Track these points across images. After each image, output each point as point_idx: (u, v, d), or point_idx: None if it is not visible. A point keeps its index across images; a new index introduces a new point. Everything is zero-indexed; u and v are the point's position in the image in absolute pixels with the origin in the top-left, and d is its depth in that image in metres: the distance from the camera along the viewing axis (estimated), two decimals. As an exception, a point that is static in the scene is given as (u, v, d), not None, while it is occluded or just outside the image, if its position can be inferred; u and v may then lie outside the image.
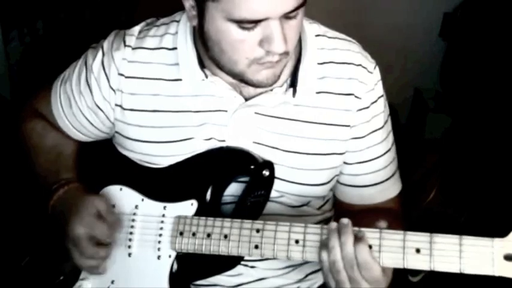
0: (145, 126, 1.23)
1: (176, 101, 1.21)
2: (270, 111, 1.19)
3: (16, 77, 2.40)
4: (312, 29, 1.23)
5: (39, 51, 2.48)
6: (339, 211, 1.33)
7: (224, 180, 1.19)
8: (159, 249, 1.18)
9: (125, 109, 1.24)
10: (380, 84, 1.24)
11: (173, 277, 1.17)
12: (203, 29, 1.09)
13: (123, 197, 1.24)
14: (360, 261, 1.00)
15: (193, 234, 1.14)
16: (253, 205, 1.17)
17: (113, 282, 1.21)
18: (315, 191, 1.23)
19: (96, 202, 1.19)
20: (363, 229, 1.03)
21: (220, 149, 1.19)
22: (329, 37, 1.24)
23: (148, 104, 1.22)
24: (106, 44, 1.26)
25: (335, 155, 1.22)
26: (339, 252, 1.00)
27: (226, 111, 1.19)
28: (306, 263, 1.27)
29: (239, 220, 1.12)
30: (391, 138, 1.28)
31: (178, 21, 1.24)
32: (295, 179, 1.21)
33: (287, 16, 1.05)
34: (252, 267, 1.24)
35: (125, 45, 1.24)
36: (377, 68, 1.24)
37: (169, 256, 1.17)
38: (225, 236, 1.12)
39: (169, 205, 1.19)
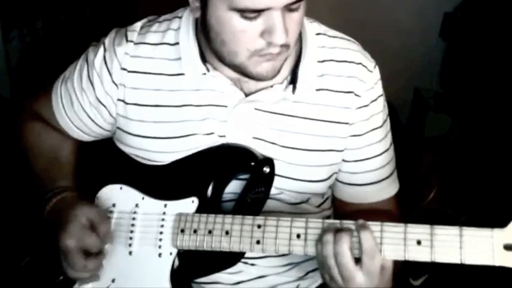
0: (147, 121, 1.23)
1: (178, 95, 1.21)
2: (270, 108, 1.19)
3: (16, 77, 2.41)
4: (313, 27, 1.24)
5: (39, 51, 2.48)
6: (337, 210, 1.33)
7: (225, 177, 1.19)
8: (160, 247, 1.18)
9: (127, 103, 1.24)
10: (379, 83, 1.24)
11: (174, 275, 1.17)
12: (205, 20, 1.10)
13: (124, 195, 1.24)
14: (366, 248, 1.00)
15: (195, 231, 1.14)
16: (254, 202, 1.17)
17: (113, 281, 1.21)
18: (313, 187, 1.24)
19: (86, 212, 1.18)
20: (363, 221, 1.04)
21: (221, 146, 1.20)
22: (329, 36, 1.25)
23: (150, 99, 1.23)
24: (107, 40, 1.27)
25: (334, 151, 1.22)
26: (331, 248, 1.01)
27: (226, 106, 1.20)
28: (306, 260, 1.28)
29: (240, 216, 1.12)
30: (389, 138, 1.28)
31: (180, 17, 1.24)
32: (293, 175, 1.21)
33: (289, 8, 1.05)
34: (252, 264, 1.25)
35: (127, 40, 1.24)
36: (377, 67, 1.24)
37: (171, 254, 1.17)
38: (227, 232, 1.12)
39: (169, 203, 1.20)
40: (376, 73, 1.24)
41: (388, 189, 1.28)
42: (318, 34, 1.23)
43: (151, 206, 1.21)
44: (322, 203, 1.31)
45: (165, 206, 1.20)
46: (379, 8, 2.78)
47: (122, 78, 1.24)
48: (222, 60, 1.14)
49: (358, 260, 1.02)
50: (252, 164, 1.17)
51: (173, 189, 1.20)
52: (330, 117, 1.20)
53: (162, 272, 1.17)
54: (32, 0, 2.44)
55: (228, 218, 1.13)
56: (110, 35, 1.28)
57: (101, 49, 1.26)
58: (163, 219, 1.19)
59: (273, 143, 1.20)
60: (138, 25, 1.27)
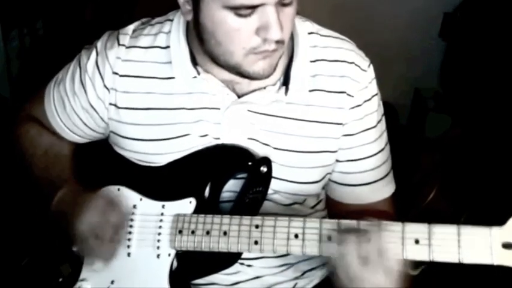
0: (140, 124, 1.23)
1: (170, 98, 1.21)
2: (263, 109, 1.19)
3: (16, 77, 2.41)
4: (305, 27, 1.23)
5: (39, 51, 2.48)
6: (331, 211, 1.33)
7: (222, 177, 1.19)
8: (158, 248, 1.18)
9: (119, 108, 1.24)
10: (374, 82, 1.23)
11: (173, 275, 1.17)
12: (198, 22, 1.09)
13: (121, 197, 1.23)
14: (387, 248, 1.00)
15: (193, 232, 1.14)
16: (252, 202, 1.17)
17: (112, 282, 1.21)
18: (307, 189, 1.23)
19: (102, 194, 1.20)
20: (362, 222, 1.05)
21: (217, 146, 1.19)
22: (322, 35, 1.24)
23: (142, 102, 1.22)
24: (100, 44, 1.27)
25: (327, 152, 1.21)
26: (352, 248, 1.00)
27: (219, 108, 1.19)
28: (303, 260, 1.28)
29: (238, 216, 1.12)
30: (384, 138, 1.27)
31: (172, 20, 1.24)
32: (287, 176, 1.21)
33: (282, 3, 1.05)
34: (249, 265, 1.24)
35: (119, 44, 1.24)
36: (371, 66, 1.23)
37: (169, 255, 1.17)
38: (224, 233, 1.12)
39: (167, 204, 1.19)
40: (370, 72, 1.23)
41: (383, 190, 1.27)
42: (310, 33, 1.23)
43: (149, 207, 1.21)
44: (316, 204, 1.31)
45: (163, 207, 1.19)
46: (379, 8, 2.78)
47: (113, 82, 1.24)
48: (216, 61, 1.14)
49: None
50: (249, 163, 1.17)
51: (171, 190, 1.20)
52: (323, 118, 1.20)
53: (160, 273, 1.17)
54: (32, 0, 2.44)
55: (226, 219, 1.13)
56: (102, 38, 1.28)
57: (93, 53, 1.26)
58: (161, 220, 1.19)
59: (266, 145, 1.19)
60: (130, 28, 1.27)
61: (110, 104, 1.25)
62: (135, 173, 1.24)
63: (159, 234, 1.18)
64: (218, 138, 1.20)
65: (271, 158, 1.18)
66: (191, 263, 1.19)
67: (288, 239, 1.08)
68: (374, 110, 1.23)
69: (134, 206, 1.22)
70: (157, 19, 1.28)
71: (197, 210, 1.17)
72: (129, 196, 1.23)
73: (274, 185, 1.19)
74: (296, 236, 1.08)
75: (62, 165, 1.32)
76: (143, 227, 1.20)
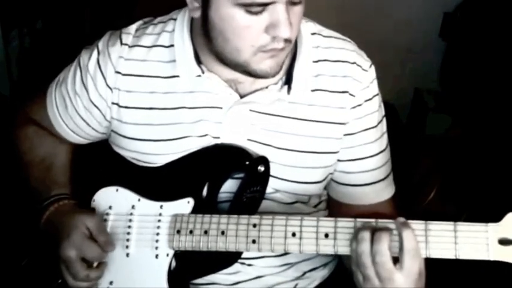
0: (141, 124, 1.23)
1: (172, 97, 1.21)
2: (265, 109, 1.19)
3: (16, 77, 2.41)
4: (308, 27, 1.23)
5: (39, 51, 2.49)
6: (333, 211, 1.32)
7: (220, 177, 1.19)
8: (156, 248, 1.18)
9: (121, 107, 1.24)
10: (375, 83, 1.24)
11: (172, 276, 1.17)
12: (207, 19, 1.09)
13: (120, 197, 1.24)
14: (408, 247, 0.99)
15: (191, 231, 1.14)
16: (250, 201, 1.17)
17: (111, 283, 1.21)
18: (308, 188, 1.23)
19: (86, 221, 1.19)
20: (358, 220, 1.05)
21: (215, 146, 1.19)
22: (324, 36, 1.24)
23: (144, 102, 1.22)
24: (101, 43, 1.27)
25: (329, 153, 1.22)
26: (368, 246, 1.00)
27: (221, 108, 1.19)
28: (303, 260, 1.28)
29: (236, 216, 1.12)
30: (385, 139, 1.27)
31: (175, 19, 1.24)
32: (288, 176, 1.21)
33: (292, 2, 1.06)
34: (250, 265, 1.24)
35: (122, 44, 1.24)
36: (372, 67, 1.24)
37: (167, 255, 1.17)
38: (222, 232, 1.12)
39: (165, 204, 1.19)
40: (372, 72, 1.23)
41: (384, 192, 1.27)
42: (313, 34, 1.23)
43: (147, 207, 1.21)
44: (318, 204, 1.31)
45: (161, 207, 1.19)
46: (379, 8, 2.78)
47: (116, 81, 1.24)
48: (222, 59, 1.14)
49: (395, 261, 1.00)
50: (247, 163, 1.17)
51: (169, 190, 1.20)
52: (325, 118, 1.20)
53: (159, 273, 1.17)
54: (32, 0, 2.44)
55: (224, 218, 1.13)
56: (104, 37, 1.28)
57: (95, 52, 1.26)
58: (159, 221, 1.19)
59: (268, 145, 1.19)
60: (133, 27, 1.27)
61: (113, 103, 1.25)
62: (133, 173, 1.24)
63: (157, 234, 1.18)
64: (218, 138, 1.20)
65: (273, 158, 1.18)
66: (190, 263, 1.18)
67: (285, 237, 1.08)
68: (375, 110, 1.23)
69: (132, 207, 1.22)
70: (159, 18, 1.28)
71: (195, 210, 1.17)
72: (127, 197, 1.23)
73: (275, 184, 1.20)
74: (293, 234, 1.08)
75: (56, 176, 1.32)
76: (141, 228, 1.20)
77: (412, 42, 2.79)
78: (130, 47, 1.24)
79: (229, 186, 1.19)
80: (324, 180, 1.25)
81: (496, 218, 1.02)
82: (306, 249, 1.07)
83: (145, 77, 1.22)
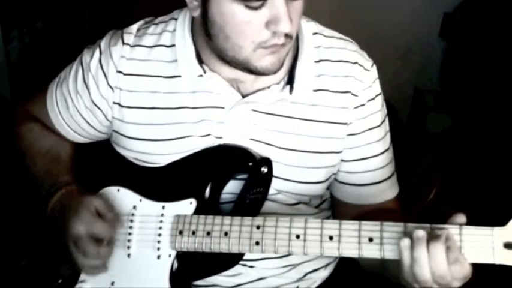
0: (143, 124, 1.23)
1: (174, 97, 1.21)
2: (267, 108, 1.19)
3: (16, 77, 2.41)
4: (309, 27, 1.23)
5: (39, 51, 2.49)
6: (338, 212, 1.32)
7: (223, 178, 1.19)
8: (158, 248, 1.18)
9: (123, 106, 1.24)
10: (377, 82, 1.24)
11: (174, 277, 1.17)
12: (207, 16, 1.09)
13: (121, 198, 1.23)
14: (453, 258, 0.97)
15: (193, 232, 1.14)
16: (252, 202, 1.17)
17: (112, 283, 1.20)
18: (311, 189, 1.23)
19: (94, 201, 1.19)
20: (363, 222, 1.04)
21: (218, 146, 1.19)
22: (325, 36, 1.24)
23: (146, 101, 1.22)
24: (103, 43, 1.27)
25: (332, 153, 1.22)
26: (425, 249, 0.97)
27: (223, 108, 1.19)
28: (305, 262, 1.28)
29: (239, 217, 1.11)
30: (388, 139, 1.27)
31: (176, 19, 1.24)
32: (291, 176, 1.21)
33: None
34: (251, 266, 1.24)
35: (123, 43, 1.24)
36: (374, 66, 1.24)
37: (169, 255, 1.17)
38: (226, 234, 1.11)
39: (167, 204, 1.19)
40: (374, 72, 1.23)
41: (389, 191, 1.27)
42: (314, 34, 1.23)
43: (149, 208, 1.20)
44: (320, 204, 1.31)
45: (163, 207, 1.19)
46: (379, 8, 2.78)
47: (117, 81, 1.23)
48: (223, 57, 1.13)
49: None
50: (250, 164, 1.17)
51: (171, 190, 1.20)
52: (327, 118, 1.20)
53: (161, 274, 1.17)
54: (32, 0, 2.44)
55: (227, 219, 1.12)
56: (105, 37, 1.28)
57: (97, 52, 1.26)
58: (161, 221, 1.18)
59: (270, 145, 1.19)
60: (134, 27, 1.27)
61: (114, 102, 1.25)
62: (135, 173, 1.24)
63: (160, 235, 1.18)
64: (220, 138, 1.20)
65: (275, 158, 1.18)
66: (192, 264, 1.18)
67: (289, 239, 1.08)
68: (378, 109, 1.23)
69: (134, 207, 1.22)
70: (161, 18, 1.28)
71: (198, 211, 1.16)
72: (128, 197, 1.23)
73: (278, 184, 1.20)
74: (297, 236, 1.07)
75: (62, 165, 1.32)
76: (143, 228, 1.20)
77: (412, 42, 2.80)
78: (132, 46, 1.24)
79: (232, 187, 1.19)
80: (326, 180, 1.25)
81: (497, 218, 1.02)
82: (310, 252, 1.07)
83: (147, 76, 1.22)
